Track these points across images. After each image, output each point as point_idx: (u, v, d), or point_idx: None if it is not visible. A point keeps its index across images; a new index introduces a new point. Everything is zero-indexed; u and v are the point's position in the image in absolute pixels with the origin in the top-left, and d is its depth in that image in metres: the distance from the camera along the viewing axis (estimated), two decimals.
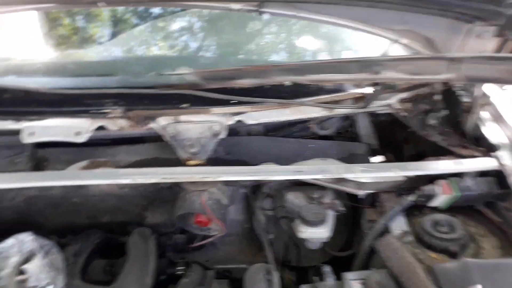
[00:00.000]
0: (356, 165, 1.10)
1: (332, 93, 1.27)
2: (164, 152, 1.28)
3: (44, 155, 1.31)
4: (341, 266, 1.18)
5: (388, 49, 1.32)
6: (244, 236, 1.52)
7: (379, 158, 1.42)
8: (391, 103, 1.33)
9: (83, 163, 1.16)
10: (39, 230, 1.07)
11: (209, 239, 1.17)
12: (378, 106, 1.32)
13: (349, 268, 1.38)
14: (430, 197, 1.11)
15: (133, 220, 1.38)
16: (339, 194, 1.26)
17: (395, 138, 1.54)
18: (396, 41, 1.31)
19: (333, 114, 1.30)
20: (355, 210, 1.34)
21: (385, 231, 1.14)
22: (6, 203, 1.24)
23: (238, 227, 1.48)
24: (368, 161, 1.35)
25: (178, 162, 1.16)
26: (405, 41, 1.31)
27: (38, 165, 1.29)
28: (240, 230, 1.50)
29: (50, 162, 1.30)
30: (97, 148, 1.30)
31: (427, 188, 1.10)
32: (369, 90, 1.28)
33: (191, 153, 1.15)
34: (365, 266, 1.17)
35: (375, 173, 1.10)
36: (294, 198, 1.29)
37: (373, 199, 1.27)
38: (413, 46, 1.31)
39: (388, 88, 1.29)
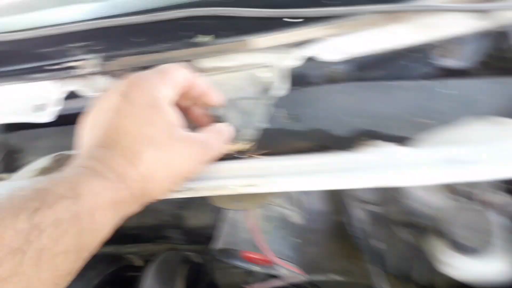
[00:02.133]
0: None
1: None
2: None
3: (16, 143, 0.88)
4: None
5: None
6: (334, 234, 1.03)
7: None
8: None
9: (45, 160, 0.67)
10: None
11: (277, 285, 0.65)
12: None
13: None
14: None
15: (168, 222, 1.00)
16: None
17: None
18: None
19: (494, 25, 0.65)
20: None
21: None
22: None
23: (324, 220, 0.99)
24: None
25: None
26: None
27: (8, 159, 0.86)
28: (328, 224, 1.01)
29: (24, 153, 0.86)
30: None
31: None
32: None
33: None
34: None
35: None
36: (424, 193, 0.72)
37: None
38: None
39: None
